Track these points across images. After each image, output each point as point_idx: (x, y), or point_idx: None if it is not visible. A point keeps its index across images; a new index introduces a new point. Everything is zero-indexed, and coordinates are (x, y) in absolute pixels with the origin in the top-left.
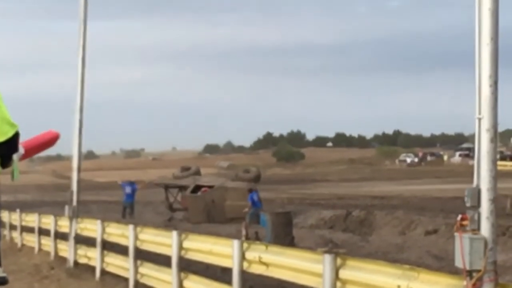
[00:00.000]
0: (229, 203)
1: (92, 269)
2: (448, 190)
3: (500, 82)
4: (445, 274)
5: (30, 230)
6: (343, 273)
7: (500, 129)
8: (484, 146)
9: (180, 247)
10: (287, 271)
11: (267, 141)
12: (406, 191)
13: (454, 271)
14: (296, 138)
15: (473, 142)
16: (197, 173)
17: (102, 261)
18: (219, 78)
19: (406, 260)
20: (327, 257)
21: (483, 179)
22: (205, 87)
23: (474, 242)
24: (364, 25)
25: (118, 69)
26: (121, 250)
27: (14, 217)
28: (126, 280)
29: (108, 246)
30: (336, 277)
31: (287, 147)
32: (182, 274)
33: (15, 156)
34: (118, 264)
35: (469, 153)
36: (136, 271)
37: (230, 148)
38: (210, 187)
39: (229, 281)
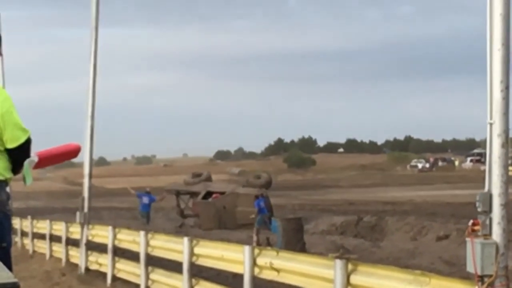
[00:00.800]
0: (240, 209)
1: (103, 275)
2: (459, 196)
3: None
4: (457, 279)
5: (41, 236)
6: (354, 279)
7: None
8: (495, 151)
9: (191, 253)
10: (298, 276)
11: (278, 147)
12: (418, 197)
13: (465, 276)
14: (307, 144)
15: (485, 148)
16: (208, 179)
17: (113, 267)
18: (230, 84)
19: (418, 266)
20: (338, 263)
21: (495, 184)
22: (216, 93)
23: (485, 247)
24: (375, 31)
25: (129, 76)
26: (132, 256)
27: (25, 224)
28: (137, 286)
29: (119, 253)
30: (348, 282)
31: (298, 153)
32: (193, 280)
33: (26, 162)
34: (129, 271)
35: (481, 159)
36: (147, 277)
37: (241, 154)
38: (221, 193)
39: (240, 287)
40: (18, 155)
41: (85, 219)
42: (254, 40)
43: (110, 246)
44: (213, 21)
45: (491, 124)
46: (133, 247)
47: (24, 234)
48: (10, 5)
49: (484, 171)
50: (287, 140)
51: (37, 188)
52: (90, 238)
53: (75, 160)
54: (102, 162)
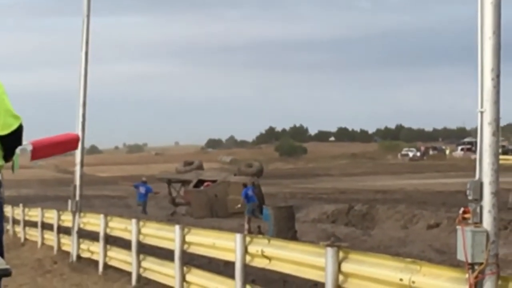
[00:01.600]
0: (231, 197)
1: (95, 263)
2: (450, 184)
3: (503, 76)
4: (447, 267)
5: (33, 224)
6: (346, 267)
7: (502, 123)
8: (486, 140)
9: (183, 241)
10: (290, 264)
11: (269, 135)
12: (408, 185)
13: (456, 264)
14: (299, 133)
15: (475, 136)
16: (200, 167)
17: (105, 255)
18: (221, 73)
19: (409, 254)
20: (330, 251)
21: (485, 172)
22: (208, 82)
23: (476, 235)
24: (366, 20)
25: (121, 64)
26: (124, 244)
27: (17, 212)
28: (129, 274)
29: (111, 240)
30: (339, 270)
31: (290, 141)
32: (185, 268)
33: (18, 150)
34: (121, 258)
35: (471, 147)
36: (139, 265)
37: (232, 142)
38: (213, 181)
39: (231, 275)
40: (10, 142)
41: (77, 207)
42: (246, 29)
43: (101, 234)
44: (205, 10)
45: (481, 113)
46: (124, 235)
47: (15, 222)
48: None
49: (475, 159)
50: (279, 128)
51: (29, 176)
52: (81, 226)
53: None
54: (93, 150)
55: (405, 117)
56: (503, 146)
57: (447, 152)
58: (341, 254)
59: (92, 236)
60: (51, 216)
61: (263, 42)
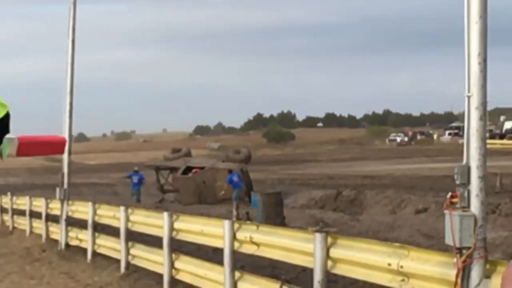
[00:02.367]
0: (219, 184)
1: (83, 251)
2: (438, 169)
3: (490, 60)
4: (435, 251)
5: (21, 213)
6: (334, 252)
7: (490, 107)
8: (473, 124)
9: (171, 228)
10: (278, 250)
11: (257, 122)
12: (396, 170)
13: (444, 249)
14: (286, 119)
15: (463, 121)
16: (188, 154)
17: (94, 243)
18: (209, 59)
19: (397, 239)
20: (318, 236)
21: (473, 156)
22: (196, 68)
23: (464, 220)
24: (354, 5)
25: (108, 52)
26: (113, 231)
27: (5, 200)
28: (117, 261)
29: (99, 228)
30: (327, 256)
31: (277, 127)
32: (174, 255)
33: (5, 138)
34: (110, 246)
35: (459, 132)
36: (127, 253)
37: (220, 129)
38: (201, 168)
39: (220, 261)
40: None
41: (65, 195)
42: (234, 15)
43: (90, 222)
44: None
45: (469, 97)
46: (113, 223)
47: (3, 210)
48: None
49: (462, 144)
50: (266, 115)
51: (17, 165)
52: (70, 214)
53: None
54: (81, 138)
55: (393, 102)
56: (490, 131)
57: (435, 137)
58: (329, 240)
59: (81, 224)
60: (39, 204)
61: (250, 28)
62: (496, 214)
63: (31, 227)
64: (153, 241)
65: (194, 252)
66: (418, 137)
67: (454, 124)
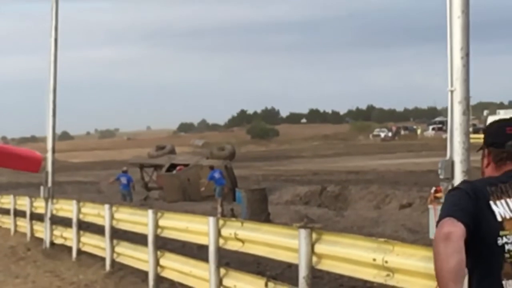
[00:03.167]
0: (204, 181)
1: (68, 249)
2: (422, 164)
3: (472, 54)
4: (420, 246)
5: (5, 212)
6: (319, 248)
7: (473, 102)
8: (456, 118)
9: (156, 226)
10: (263, 247)
11: (241, 118)
12: (381, 166)
13: (429, 243)
14: (270, 115)
15: (446, 116)
16: (172, 151)
17: (78, 241)
18: (193, 56)
19: (381, 234)
20: (303, 232)
21: (456, 151)
22: (179, 65)
23: None
24: (337, 1)
25: (91, 49)
26: (97, 229)
27: None
28: (102, 259)
29: (84, 226)
30: (312, 251)
31: (261, 124)
32: (159, 253)
33: None
34: (95, 244)
35: (442, 127)
36: (112, 250)
37: (204, 126)
38: (185, 165)
39: (205, 258)
40: None
41: (49, 194)
42: (216, 11)
43: (74, 220)
44: None
45: (452, 92)
46: (98, 221)
47: None
48: None
49: (446, 138)
50: (250, 111)
51: None
52: (54, 212)
53: (38, 134)
54: (65, 136)
55: (376, 97)
56: (473, 125)
57: (419, 131)
58: (314, 236)
59: (65, 222)
60: (23, 203)
61: (233, 24)
62: None
63: (15, 225)
64: (138, 239)
65: (179, 249)
66: (402, 132)
67: (437, 119)
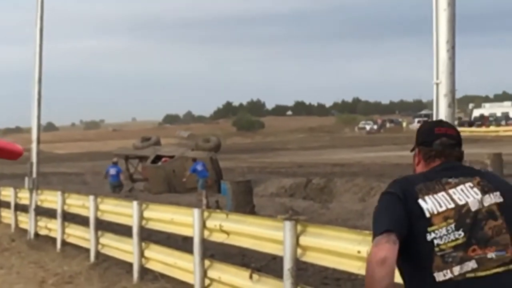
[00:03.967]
0: (189, 172)
1: (53, 240)
2: (407, 157)
3: (458, 47)
4: None
5: None
6: (304, 240)
7: (459, 95)
8: (442, 111)
9: (141, 217)
10: (248, 239)
11: (226, 110)
12: (366, 158)
13: None
14: (256, 107)
15: (432, 109)
16: (157, 143)
17: (63, 232)
18: (178, 47)
19: (366, 226)
20: (288, 224)
21: None
22: (165, 57)
23: None
24: None
25: (77, 40)
26: (82, 221)
27: None
28: (87, 250)
29: (69, 217)
30: (297, 244)
31: (247, 116)
32: (143, 244)
33: None
34: (79, 235)
35: (428, 119)
36: (97, 242)
37: (190, 118)
38: (171, 157)
39: (190, 250)
40: None
41: (34, 185)
42: (203, 3)
43: (59, 211)
44: None
45: (437, 84)
46: (82, 212)
47: None
48: None
49: None
50: (236, 103)
51: None
52: (39, 203)
53: (23, 125)
54: (50, 127)
55: (362, 90)
56: (459, 118)
57: (404, 124)
58: (299, 228)
59: (50, 213)
60: (7, 194)
61: (220, 16)
62: None
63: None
64: (123, 230)
65: (164, 241)
66: (388, 125)
67: (423, 112)
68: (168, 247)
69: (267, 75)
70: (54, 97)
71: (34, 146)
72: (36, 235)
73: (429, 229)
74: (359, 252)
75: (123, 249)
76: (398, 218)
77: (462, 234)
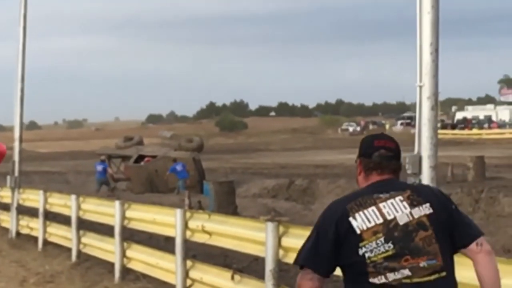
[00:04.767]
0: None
1: (34, 239)
2: None
3: (441, 50)
4: None
5: None
6: (286, 241)
7: (442, 97)
8: (425, 114)
9: (123, 217)
10: (230, 239)
11: (210, 110)
12: (349, 160)
13: None
14: (239, 108)
15: (415, 111)
16: (140, 143)
17: (45, 231)
18: (161, 47)
19: None
20: (270, 225)
21: (424, 146)
22: (148, 56)
23: None
24: None
25: (60, 39)
26: (64, 220)
27: None
28: (69, 250)
29: (51, 216)
30: (279, 245)
31: (230, 116)
32: (125, 244)
33: None
34: (61, 234)
35: (411, 122)
36: (79, 241)
37: (173, 118)
38: (153, 157)
39: (172, 250)
40: None
41: (16, 183)
42: (186, 3)
43: (41, 210)
44: None
45: (420, 87)
46: (64, 211)
47: None
48: None
49: (414, 134)
50: (219, 103)
51: None
52: (21, 202)
53: (5, 123)
54: (33, 126)
55: (345, 92)
56: (442, 121)
57: (387, 126)
58: (281, 229)
59: (32, 212)
60: None
61: (203, 16)
62: None
63: None
64: (105, 230)
65: (146, 241)
66: (370, 126)
67: (406, 114)
68: (150, 247)
69: (250, 75)
70: (37, 96)
71: (16, 144)
72: (18, 234)
73: (360, 244)
74: None
75: (105, 248)
76: (323, 256)
77: (392, 246)
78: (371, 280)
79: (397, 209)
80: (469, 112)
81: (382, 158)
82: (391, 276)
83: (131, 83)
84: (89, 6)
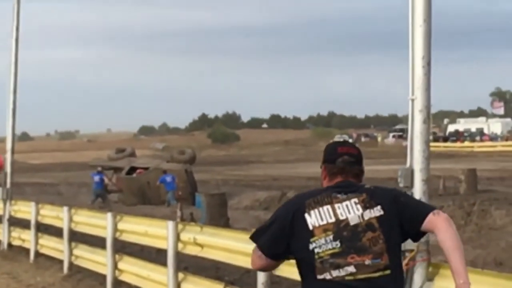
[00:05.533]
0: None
1: (26, 251)
2: (381, 171)
3: (434, 63)
4: None
5: None
6: None
7: (433, 110)
8: (417, 127)
9: (115, 229)
10: (222, 252)
11: (202, 122)
12: None
13: None
14: (231, 120)
15: (407, 124)
16: (132, 154)
17: (37, 243)
18: (154, 59)
19: None
20: None
21: (416, 159)
22: (140, 68)
23: None
24: (299, 6)
25: (53, 50)
26: (56, 232)
27: None
28: (60, 262)
29: (43, 228)
30: None
31: (222, 128)
32: (117, 256)
33: None
34: (53, 246)
35: (403, 134)
36: (70, 253)
37: (165, 129)
38: (145, 168)
39: (164, 263)
40: None
41: (8, 195)
42: (178, 14)
43: (33, 222)
44: None
45: (412, 100)
46: (56, 223)
47: None
48: None
49: (406, 146)
50: (211, 115)
51: None
52: (12, 213)
53: None
54: (25, 137)
55: (338, 104)
56: (434, 133)
57: (379, 139)
58: None
59: (23, 224)
60: None
61: (195, 28)
62: None
63: None
64: (97, 242)
65: (137, 253)
66: (363, 139)
67: (398, 127)
68: (142, 259)
69: (243, 87)
70: (29, 107)
71: (8, 156)
72: (10, 245)
73: (311, 239)
74: None
75: (97, 260)
76: (271, 239)
77: (339, 244)
78: (318, 276)
79: (350, 210)
80: (461, 125)
81: (345, 163)
82: (335, 273)
83: (123, 95)
84: (82, 19)
